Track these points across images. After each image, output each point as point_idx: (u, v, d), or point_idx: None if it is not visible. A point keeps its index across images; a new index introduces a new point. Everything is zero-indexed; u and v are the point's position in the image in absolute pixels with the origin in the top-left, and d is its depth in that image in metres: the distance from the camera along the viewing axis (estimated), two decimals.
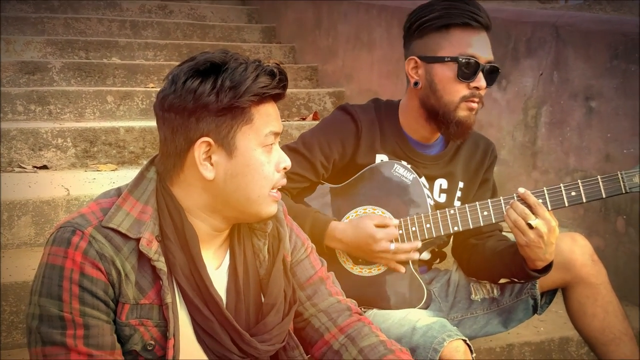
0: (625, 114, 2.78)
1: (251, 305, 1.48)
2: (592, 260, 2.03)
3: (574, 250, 2.01)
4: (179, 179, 1.40)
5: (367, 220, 1.90)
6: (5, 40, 4.52)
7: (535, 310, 2.10)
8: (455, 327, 1.77)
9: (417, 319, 1.81)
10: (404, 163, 1.99)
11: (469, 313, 2.14)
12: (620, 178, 1.83)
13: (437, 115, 1.95)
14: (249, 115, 1.37)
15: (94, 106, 4.00)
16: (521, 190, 1.84)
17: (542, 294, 2.09)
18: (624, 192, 1.84)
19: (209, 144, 1.36)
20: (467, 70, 1.89)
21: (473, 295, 2.14)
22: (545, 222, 1.79)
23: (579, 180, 1.83)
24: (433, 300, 2.13)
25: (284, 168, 1.45)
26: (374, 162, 2.02)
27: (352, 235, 1.89)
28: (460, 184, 2.11)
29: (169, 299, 1.36)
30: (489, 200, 1.91)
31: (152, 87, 4.42)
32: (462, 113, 1.93)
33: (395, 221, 1.92)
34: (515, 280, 2.00)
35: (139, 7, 5.80)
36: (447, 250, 2.25)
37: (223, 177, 1.38)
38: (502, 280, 2.05)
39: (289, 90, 4.55)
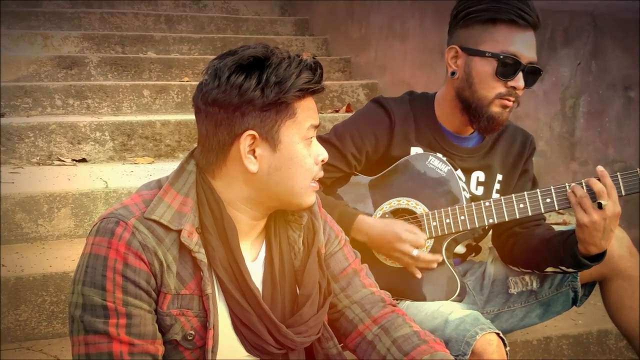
0: None
1: (287, 297, 1.50)
2: (629, 253, 2.00)
3: (612, 242, 1.98)
4: (221, 172, 1.42)
5: (398, 222, 1.91)
6: (42, 35, 4.59)
7: (574, 302, 2.08)
8: (488, 321, 1.76)
9: (450, 312, 1.80)
10: (439, 155, 1.98)
11: (506, 307, 2.11)
12: None
13: (469, 107, 1.93)
14: (292, 109, 1.39)
15: (131, 100, 4.05)
16: (600, 168, 1.80)
17: (580, 286, 2.06)
18: None
19: (254, 137, 1.37)
20: (506, 68, 1.86)
21: (511, 289, 2.11)
22: (614, 205, 1.76)
23: (618, 173, 1.80)
24: (467, 293, 2.11)
25: (322, 160, 1.47)
26: (409, 154, 2.01)
27: (379, 230, 1.89)
28: (499, 177, 2.09)
29: (209, 290, 1.38)
30: (525, 192, 1.89)
31: (187, 81, 4.47)
32: (495, 109, 1.90)
33: (425, 235, 1.91)
34: (563, 268, 1.97)
35: (173, 1, 5.85)
36: (483, 244, 2.23)
37: (267, 170, 1.40)
38: (550, 269, 2.02)
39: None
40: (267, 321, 1.43)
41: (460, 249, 2.14)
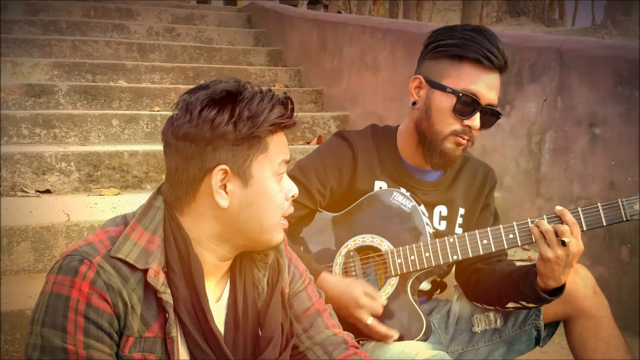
0: (629, 141, 2.76)
1: (249, 339, 1.46)
2: (594, 292, 1.99)
3: (576, 282, 1.97)
4: (190, 209, 1.39)
5: (359, 285, 1.88)
6: (12, 62, 4.55)
7: (537, 341, 2.06)
8: None
9: (415, 353, 1.77)
10: (403, 190, 1.98)
11: (470, 345, 2.09)
12: (620, 205, 1.81)
13: (425, 140, 1.94)
14: (264, 144, 1.38)
15: (99, 130, 4.00)
16: (559, 208, 1.81)
17: (544, 326, 2.06)
18: (624, 219, 1.82)
19: (226, 172, 1.35)
20: (464, 107, 1.87)
21: (475, 327, 2.09)
22: (577, 242, 1.77)
23: (579, 208, 1.81)
24: (433, 332, 2.09)
25: (293, 196, 1.45)
26: (373, 188, 2.00)
27: (338, 292, 1.85)
28: (461, 211, 2.09)
29: (174, 333, 1.35)
30: (488, 228, 1.89)
31: (157, 111, 4.44)
32: (448, 145, 1.91)
33: (384, 300, 1.88)
34: (524, 303, 1.96)
35: (146, 29, 5.85)
36: (448, 280, 2.22)
37: (237, 206, 1.38)
38: (510, 305, 2.01)
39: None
40: None
41: (425, 285, 2.12)
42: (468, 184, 2.10)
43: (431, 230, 1.99)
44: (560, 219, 1.79)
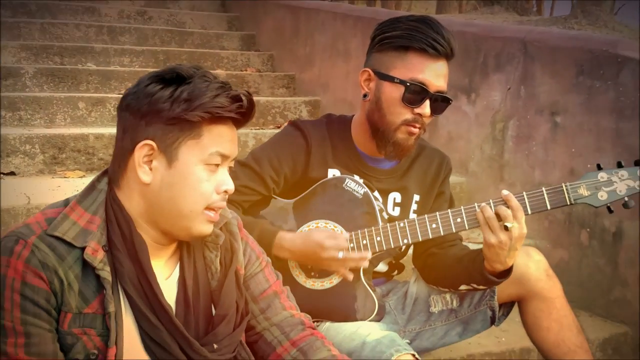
0: (589, 130, 2.80)
1: (201, 317, 1.48)
2: (546, 275, 2.05)
3: (528, 265, 2.04)
4: (123, 182, 1.41)
5: (317, 232, 1.92)
6: None
7: (493, 321, 2.11)
8: (405, 342, 1.78)
9: (367, 333, 1.81)
10: (356, 177, 2.00)
11: (427, 325, 2.15)
12: (564, 190, 1.84)
13: (377, 131, 1.96)
14: (197, 131, 1.38)
15: (65, 112, 3.97)
16: (505, 192, 1.84)
17: (499, 306, 2.10)
18: (568, 203, 1.86)
19: (152, 148, 1.36)
20: (413, 95, 1.90)
21: (432, 307, 2.15)
22: (520, 226, 1.80)
23: (524, 193, 1.84)
24: (388, 312, 2.13)
25: (225, 191, 1.44)
26: (326, 176, 2.03)
27: (301, 244, 1.89)
28: (416, 197, 2.12)
29: (111, 308, 1.36)
30: (437, 213, 1.92)
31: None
32: (400, 135, 1.94)
33: (346, 234, 1.92)
34: (474, 285, 2.01)
35: (117, 12, 5.79)
36: (406, 261, 2.25)
37: (159, 184, 1.38)
38: (463, 287, 2.06)
39: (265, 98, 4.59)
40: (180, 337, 1.42)
41: (382, 267, 2.16)
42: (423, 172, 2.13)
43: (386, 216, 2.01)
44: (506, 204, 1.82)
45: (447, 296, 2.14)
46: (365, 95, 1.98)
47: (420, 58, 1.89)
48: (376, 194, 2.04)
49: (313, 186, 2.01)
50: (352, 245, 1.93)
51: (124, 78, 4.55)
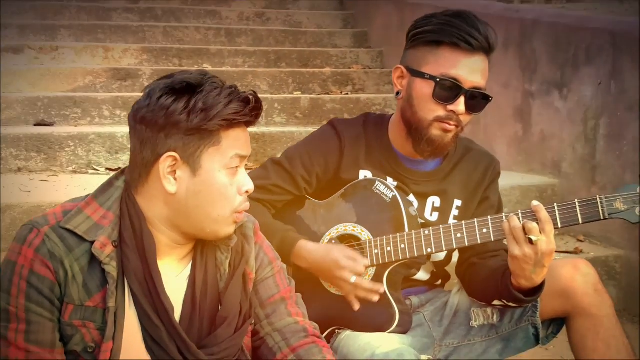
0: None
1: (206, 318, 1.51)
2: (594, 290, 1.88)
3: (575, 279, 1.88)
4: (143, 190, 1.45)
5: (339, 248, 1.89)
6: (104, 48, 4.86)
7: (537, 339, 1.98)
8: (415, 355, 1.71)
9: (378, 345, 1.77)
10: (389, 180, 1.96)
11: (466, 340, 2.03)
12: (599, 203, 1.71)
13: (411, 129, 1.91)
14: (217, 138, 1.42)
15: None
16: (535, 203, 1.75)
17: (546, 323, 1.96)
18: (602, 217, 1.72)
19: (175, 159, 1.41)
20: (445, 92, 1.83)
21: (473, 321, 2.03)
22: (547, 241, 1.70)
23: (555, 204, 1.72)
24: (421, 324, 2.05)
25: (246, 192, 1.48)
26: (357, 177, 2.00)
27: (319, 256, 1.88)
28: (457, 202, 2.03)
29: (111, 303, 1.41)
30: (463, 222, 1.84)
31: None
32: (434, 132, 1.88)
33: (366, 261, 1.88)
34: (504, 301, 1.91)
35: (237, 15, 6.01)
36: (452, 271, 2.16)
37: (185, 193, 1.43)
38: (496, 303, 1.96)
39: (366, 95, 4.58)
40: (178, 339, 1.45)
41: (422, 275, 2.09)
42: (467, 175, 2.04)
43: (421, 221, 1.95)
44: (534, 215, 1.72)
45: (489, 310, 2.02)
46: (398, 93, 1.94)
47: (453, 53, 1.83)
48: (411, 197, 1.98)
49: (344, 188, 2.00)
50: (376, 251, 1.90)
51: (233, 78, 4.72)
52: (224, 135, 1.42)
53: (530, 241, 1.69)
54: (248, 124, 1.47)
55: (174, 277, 1.50)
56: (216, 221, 1.45)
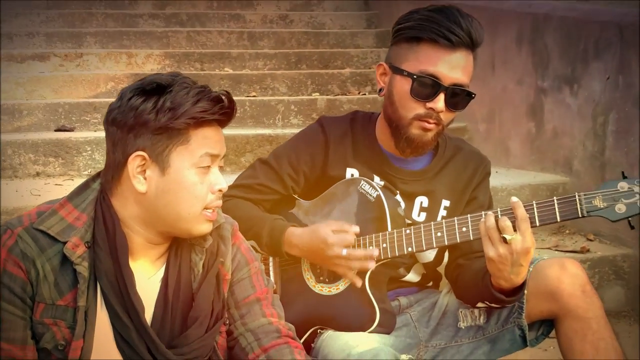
0: None
1: (178, 318, 1.53)
2: (582, 292, 1.81)
3: (562, 280, 1.81)
4: (117, 191, 1.48)
5: (324, 226, 1.86)
6: (127, 54, 4.95)
7: (524, 341, 1.93)
8: (392, 355, 1.69)
9: (355, 345, 1.75)
10: (376, 179, 1.95)
11: (453, 341, 1.99)
12: (577, 200, 1.66)
13: (392, 126, 1.89)
14: (185, 136, 1.44)
15: None
16: (514, 199, 1.71)
17: (535, 325, 1.91)
18: (580, 215, 1.67)
19: (144, 159, 1.43)
20: (423, 89, 1.81)
21: (460, 322, 1.99)
22: (522, 240, 1.66)
23: (534, 202, 1.68)
24: (407, 324, 2.02)
25: (219, 190, 1.50)
26: (344, 176, 1.99)
27: (308, 240, 1.86)
28: (445, 203, 2.00)
29: (82, 302, 1.44)
30: (443, 221, 1.81)
31: (254, 96, 4.60)
32: (414, 131, 1.85)
33: (355, 228, 1.85)
34: (487, 303, 1.87)
35: (261, 18, 6.05)
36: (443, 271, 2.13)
37: (155, 192, 1.45)
38: (480, 305, 1.92)
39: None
40: (147, 339, 1.47)
41: (412, 276, 2.07)
42: (456, 175, 2.01)
43: (408, 222, 1.93)
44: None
45: (476, 311, 1.98)
46: (380, 90, 1.93)
47: (432, 49, 1.80)
48: (398, 197, 1.96)
49: (330, 187, 1.99)
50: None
51: (252, 81, 4.76)
52: (193, 134, 1.44)
53: (505, 240, 1.65)
54: (221, 123, 1.48)
55: (147, 278, 1.52)
56: (187, 219, 1.47)
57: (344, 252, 1.81)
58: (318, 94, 4.74)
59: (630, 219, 1.65)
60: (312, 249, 1.86)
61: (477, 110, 3.78)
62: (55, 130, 3.92)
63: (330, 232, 1.84)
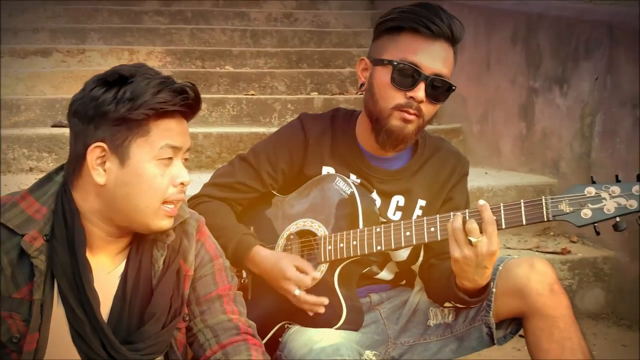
0: None
1: (135, 314, 1.52)
2: (550, 290, 1.80)
3: (530, 278, 1.81)
4: (78, 183, 1.47)
5: (289, 259, 1.87)
6: (129, 50, 4.98)
7: (492, 339, 1.92)
8: (353, 350, 1.70)
9: (318, 340, 1.75)
10: (352, 177, 1.94)
11: (422, 339, 1.99)
12: (544, 204, 1.64)
13: (372, 120, 1.87)
14: (145, 128, 1.43)
15: None
16: (481, 202, 1.70)
17: (504, 323, 1.91)
18: (545, 219, 1.65)
19: (103, 150, 1.42)
20: (404, 77, 1.79)
21: (430, 320, 1.99)
22: (488, 242, 1.65)
23: (501, 204, 1.66)
24: (376, 322, 2.02)
25: (182, 184, 1.48)
26: (320, 173, 1.98)
27: (269, 265, 1.87)
28: (421, 202, 1.99)
29: (37, 295, 1.43)
30: (412, 220, 1.80)
31: (252, 94, 4.62)
32: (394, 122, 1.83)
33: (316, 274, 1.86)
34: (453, 303, 1.87)
35: (265, 16, 6.06)
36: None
37: (114, 184, 1.44)
38: (446, 305, 1.91)
39: None
40: (102, 334, 1.47)
41: (386, 275, 2.07)
42: (433, 175, 1.99)
43: (383, 220, 1.93)
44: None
45: (445, 310, 1.98)
46: (362, 85, 1.91)
47: (413, 39, 1.80)
48: (374, 195, 1.95)
49: (306, 183, 1.99)
50: (330, 247, 1.88)
51: (252, 79, 4.77)
52: (154, 125, 1.43)
53: (470, 242, 1.65)
54: (185, 115, 1.48)
55: (107, 273, 1.52)
56: (145, 212, 1.46)
57: (297, 292, 1.83)
58: (316, 93, 4.74)
59: (596, 225, 1.62)
60: (270, 274, 1.87)
61: (471, 111, 3.75)
62: (52, 126, 3.95)
63: (292, 267, 1.84)
